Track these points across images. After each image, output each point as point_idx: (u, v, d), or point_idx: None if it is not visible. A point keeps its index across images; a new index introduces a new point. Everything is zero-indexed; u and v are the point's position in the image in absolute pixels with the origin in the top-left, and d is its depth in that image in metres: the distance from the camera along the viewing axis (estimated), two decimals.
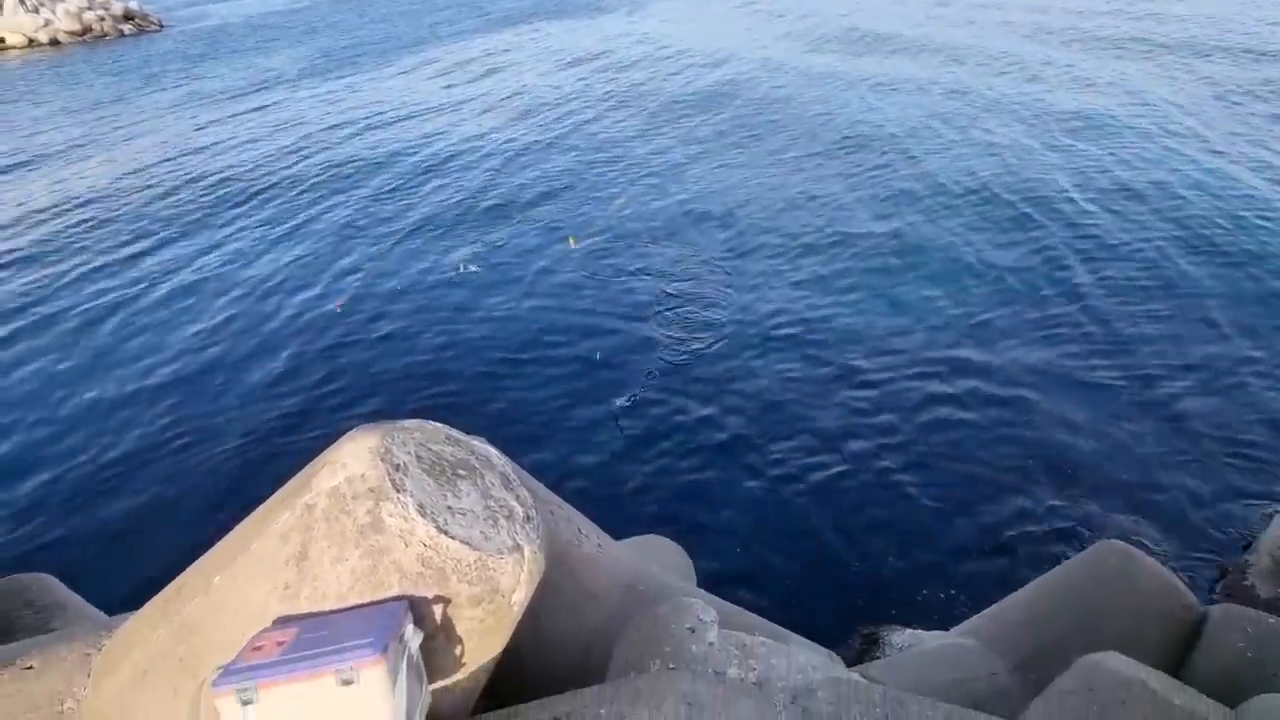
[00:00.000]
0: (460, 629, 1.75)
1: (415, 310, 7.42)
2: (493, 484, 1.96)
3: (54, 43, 36.23)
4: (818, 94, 14.17)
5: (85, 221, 10.65)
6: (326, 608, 1.65)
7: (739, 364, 6.35)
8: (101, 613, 3.62)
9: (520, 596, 1.82)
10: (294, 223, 10.01)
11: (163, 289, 8.36)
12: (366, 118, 15.39)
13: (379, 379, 6.41)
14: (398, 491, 1.69)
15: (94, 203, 11.43)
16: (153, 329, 7.50)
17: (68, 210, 11.13)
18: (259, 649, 1.53)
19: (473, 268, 8.02)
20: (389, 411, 5.73)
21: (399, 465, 1.76)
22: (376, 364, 6.59)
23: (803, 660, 2.27)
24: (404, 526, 1.66)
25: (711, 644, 2.21)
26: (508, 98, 16.11)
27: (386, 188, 11.07)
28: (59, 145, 15.10)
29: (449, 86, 17.87)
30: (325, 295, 7.86)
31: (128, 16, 39.94)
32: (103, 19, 38.43)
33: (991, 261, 7.75)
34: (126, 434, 6.00)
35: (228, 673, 1.47)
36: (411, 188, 11.00)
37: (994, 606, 3.49)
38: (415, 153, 12.65)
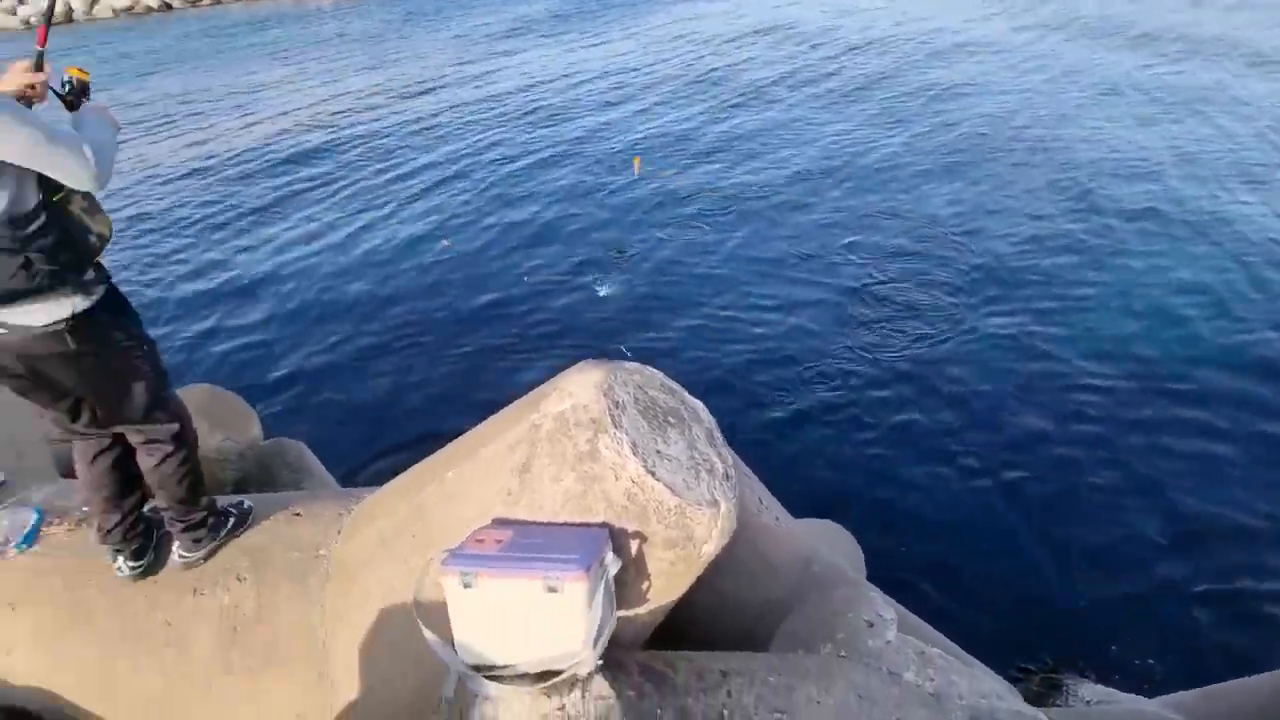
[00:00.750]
0: (651, 567, 1.84)
1: (645, 261, 7.69)
2: (698, 437, 2.02)
3: None
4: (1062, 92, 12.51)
5: (357, 141, 12.25)
6: (539, 519, 1.81)
7: (948, 349, 5.93)
8: (334, 480, 4.24)
9: (710, 549, 1.88)
10: (547, 155, 10.73)
11: (417, 206, 9.41)
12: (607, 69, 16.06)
13: (592, 319, 6.75)
14: (615, 427, 1.80)
15: (367, 125, 13.09)
16: (402, 245, 8.48)
17: (352, 132, 12.84)
18: (480, 541, 1.72)
19: (704, 227, 8.15)
20: (600, 349, 6.05)
21: (619, 402, 1.86)
22: (593, 307, 6.94)
23: (986, 686, 2.13)
24: (616, 460, 1.76)
25: (889, 642, 2.14)
26: (733, 64, 15.93)
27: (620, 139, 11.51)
28: (350, 69, 17.55)
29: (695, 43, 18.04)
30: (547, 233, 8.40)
31: None
32: None
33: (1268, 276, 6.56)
34: (369, 330, 6.89)
35: (454, 556, 1.66)
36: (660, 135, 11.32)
37: (1218, 685, 3.03)
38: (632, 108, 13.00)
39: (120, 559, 2.18)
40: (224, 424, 3.70)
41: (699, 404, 2.14)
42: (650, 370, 2.08)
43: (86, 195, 1.80)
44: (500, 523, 1.83)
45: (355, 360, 6.53)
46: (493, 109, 13.87)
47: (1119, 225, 7.74)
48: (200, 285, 8.04)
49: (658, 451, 1.84)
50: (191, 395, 3.58)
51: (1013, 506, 4.61)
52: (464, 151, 11.62)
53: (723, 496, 1.89)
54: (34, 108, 1.81)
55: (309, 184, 10.82)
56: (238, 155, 12.40)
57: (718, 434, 2.11)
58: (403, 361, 6.41)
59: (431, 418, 5.56)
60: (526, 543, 1.69)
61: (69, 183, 1.70)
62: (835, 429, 5.33)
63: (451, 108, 14.07)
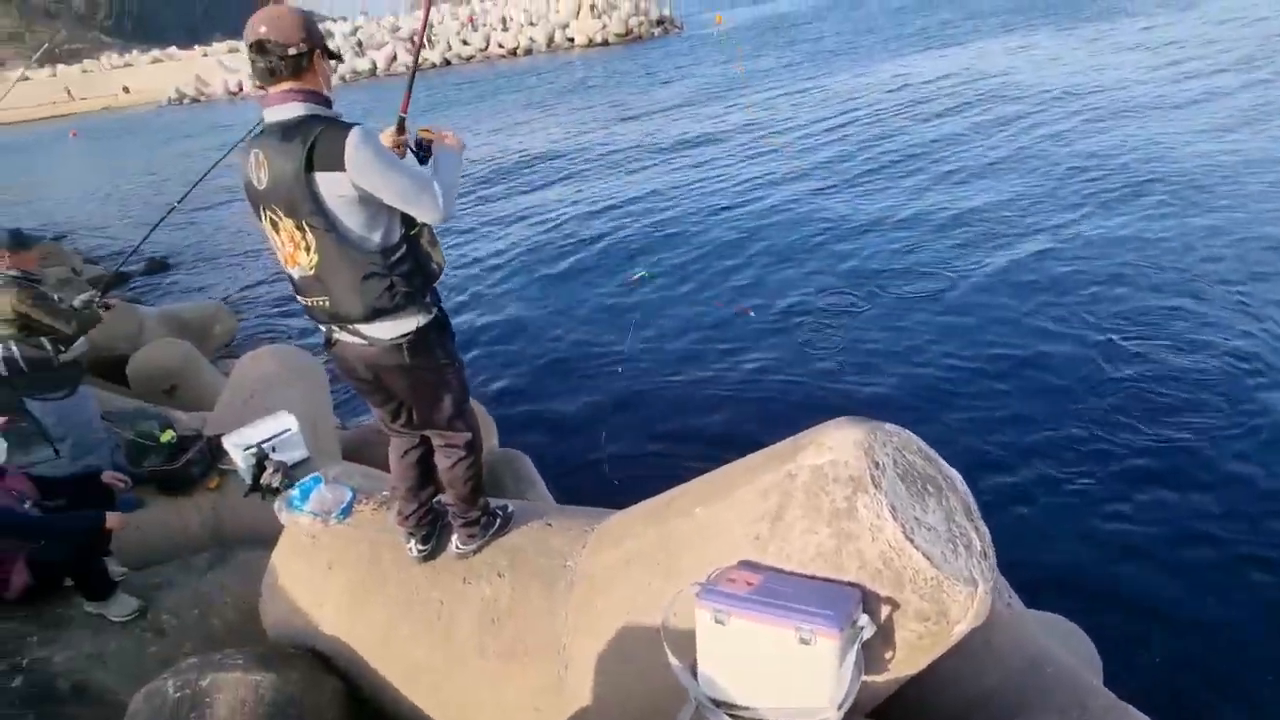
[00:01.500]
0: (897, 636, 1.80)
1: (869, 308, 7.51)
2: (956, 508, 1.94)
3: (605, 43, 45.05)
4: None
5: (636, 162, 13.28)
6: (787, 569, 1.84)
7: (1220, 427, 5.07)
8: (550, 494, 4.56)
9: (962, 629, 1.79)
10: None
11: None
12: (836, 111, 15.95)
13: (817, 369, 6.64)
14: (875, 487, 1.79)
15: (610, 154, 14.15)
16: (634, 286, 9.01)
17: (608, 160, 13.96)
18: (732, 581, 1.79)
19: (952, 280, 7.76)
20: (827, 401, 5.98)
21: (879, 463, 1.85)
22: (815, 357, 6.84)
23: None
24: (875, 521, 1.75)
25: None
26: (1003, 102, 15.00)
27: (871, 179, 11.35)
28: (601, 118, 19.13)
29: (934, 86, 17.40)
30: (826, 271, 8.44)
31: (659, 21, 47.58)
32: (641, 23, 46.44)
33: None
34: (599, 358, 7.36)
35: (708, 592, 1.75)
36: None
37: None
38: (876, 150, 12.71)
39: (412, 541, 2.55)
40: None
41: (956, 474, 2.07)
42: (908, 434, 2.05)
43: (430, 229, 2.17)
44: (747, 565, 1.89)
45: (582, 384, 7.00)
46: (719, 158, 14.37)
47: None
48: (476, 315, 9.08)
49: (916, 518, 1.80)
50: None
51: None
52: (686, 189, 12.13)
53: (981, 576, 1.80)
54: None
55: (576, 221, 11.91)
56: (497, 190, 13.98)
57: (975, 508, 2.02)
58: (623, 390, 6.76)
59: (654, 452, 5.79)
60: (777, 589, 1.73)
61: (424, 219, 2.06)
62: (1073, 507, 4.75)
63: (644, 148, 14.79)
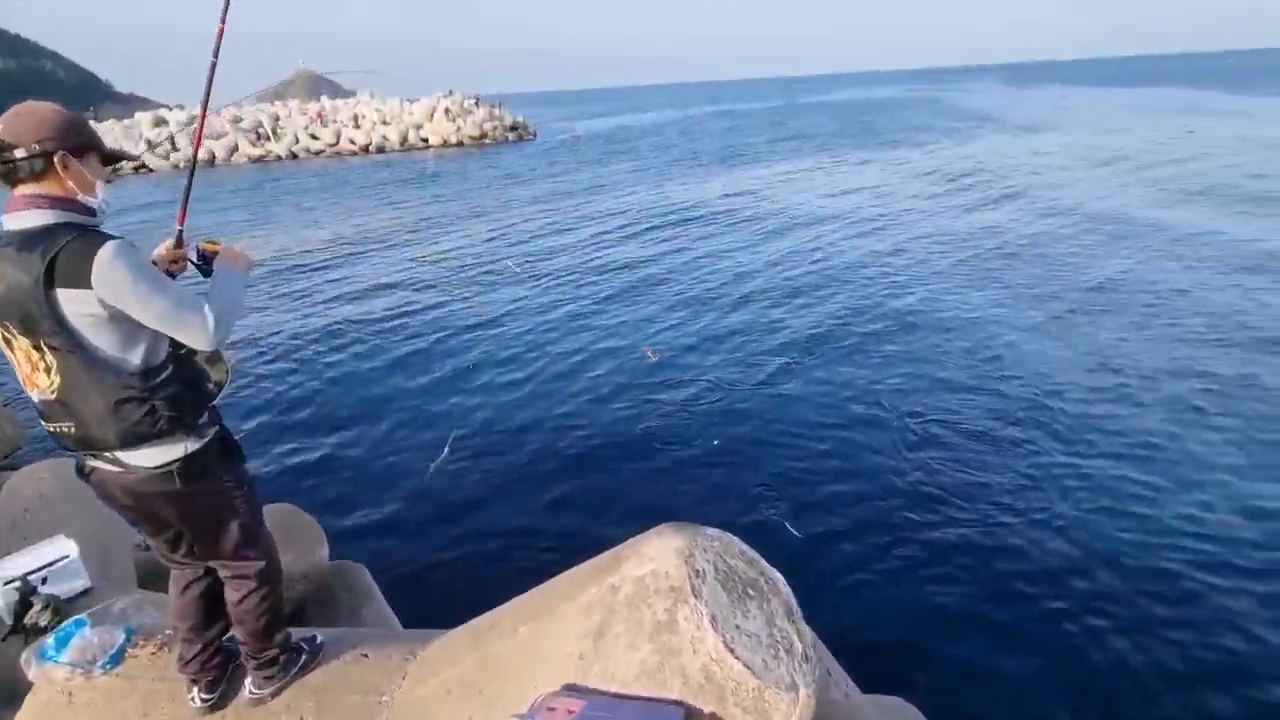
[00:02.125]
0: None
1: (750, 399, 7.79)
2: (777, 611, 1.96)
3: (459, 144, 45.91)
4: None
5: (479, 270, 13.17)
6: (612, 689, 1.76)
7: (1037, 501, 5.62)
8: (390, 610, 4.21)
9: None
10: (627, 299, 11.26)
11: (509, 343, 9.88)
12: (693, 215, 17.05)
13: (663, 470, 6.74)
14: (695, 597, 1.77)
15: (480, 261, 14.12)
16: (486, 382, 8.85)
17: (466, 262, 13.83)
18: (552, 710, 1.68)
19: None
20: (672, 507, 6.00)
21: (699, 570, 1.84)
22: (662, 458, 6.96)
23: None
24: (696, 634, 1.72)
25: None
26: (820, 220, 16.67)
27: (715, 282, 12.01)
28: (457, 215, 19.14)
29: (761, 196, 19.10)
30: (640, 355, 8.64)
31: (513, 127, 49.36)
32: (495, 127, 47.96)
33: None
34: (454, 461, 7.05)
35: None
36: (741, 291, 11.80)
37: None
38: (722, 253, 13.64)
39: (195, 690, 2.21)
40: (293, 544, 3.79)
41: (778, 575, 2.10)
42: (729, 537, 2.07)
43: None
44: (571, 689, 1.79)
45: (430, 489, 6.65)
46: (574, 253, 14.80)
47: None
48: (301, 410, 8.48)
49: (737, 626, 1.80)
50: (270, 513, 3.71)
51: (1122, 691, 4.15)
52: (538, 291, 12.31)
53: (803, 680, 1.81)
54: (177, 277, 2.07)
55: (403, 314, 11.59)
56: (333, 284, 13.46)
57: (796, 609, 2.04)
58: (475, 495, 6.48)
59: (491, 556, 5.54)
60: (597, 715, 1.64)
61: (191, 345, 1.85)
62: (897, 586, 5.01)
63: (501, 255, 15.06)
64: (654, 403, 7.98)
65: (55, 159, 1.75)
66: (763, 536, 5.46)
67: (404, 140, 45.66)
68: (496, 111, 48.63)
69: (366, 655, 2.45)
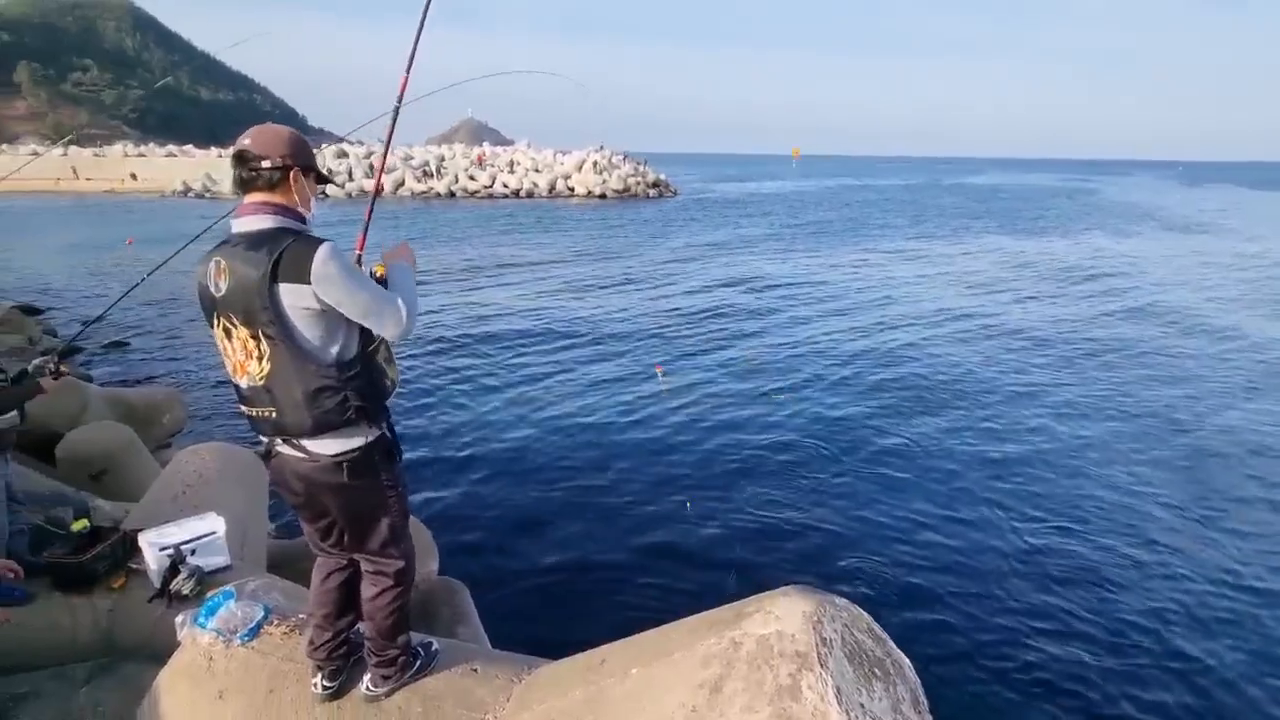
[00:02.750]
0: None
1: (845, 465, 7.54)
2: (903, 698, 1.82)
3: (602, 196, 48.19)
4: None
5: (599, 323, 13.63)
6: None
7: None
8: (483, 632, 4.26)
9: None
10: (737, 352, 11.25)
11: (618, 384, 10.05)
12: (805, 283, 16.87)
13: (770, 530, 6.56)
14: (822, 667, 1.69)
15: (612, 316, 14.59)
16: (612, 423, 8.99)
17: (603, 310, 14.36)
18: None
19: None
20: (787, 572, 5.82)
21: (827, 639, 1.76)
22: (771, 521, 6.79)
23: None
24: (819, 706, 1.63)
25: None
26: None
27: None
28: (592, 256, 19.95)
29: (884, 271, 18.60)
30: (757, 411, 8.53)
31: (654, 184, 51.27)
32: (639, 183, 50.05)
33: None
34: (556, 488, 7.19)
35: None
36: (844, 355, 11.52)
37: None
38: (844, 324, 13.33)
39: (319, 676, 2.32)
40: None
41: (906, 660, 1.96)
42: (858, 610, 1.96)
43: (387, 346, 2.15)
44: None
45: (539, 514, 6.77)
46: (684, 320, 14.94)
47: None
48: (417, 419, 8.97)
49: (861, 704, 1.69)
50: None
51: None
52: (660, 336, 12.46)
53: None
54: None
55: (533, 346, 12.08)
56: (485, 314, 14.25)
57: (924, 699, 1.90)
58: (583, 532, 6.54)
59: (586, 593, 5.54)
60: None
61: (387, 335, 2.04)
62: (1024, 694, 4.55)
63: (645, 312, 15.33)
64: (765, 463, 7.81)
65: (291, 173, 2.01)
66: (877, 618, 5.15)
67: (552, 188, 48.45)
68: (641, 168, 50.71)
69: (476, 670, 2.50)
